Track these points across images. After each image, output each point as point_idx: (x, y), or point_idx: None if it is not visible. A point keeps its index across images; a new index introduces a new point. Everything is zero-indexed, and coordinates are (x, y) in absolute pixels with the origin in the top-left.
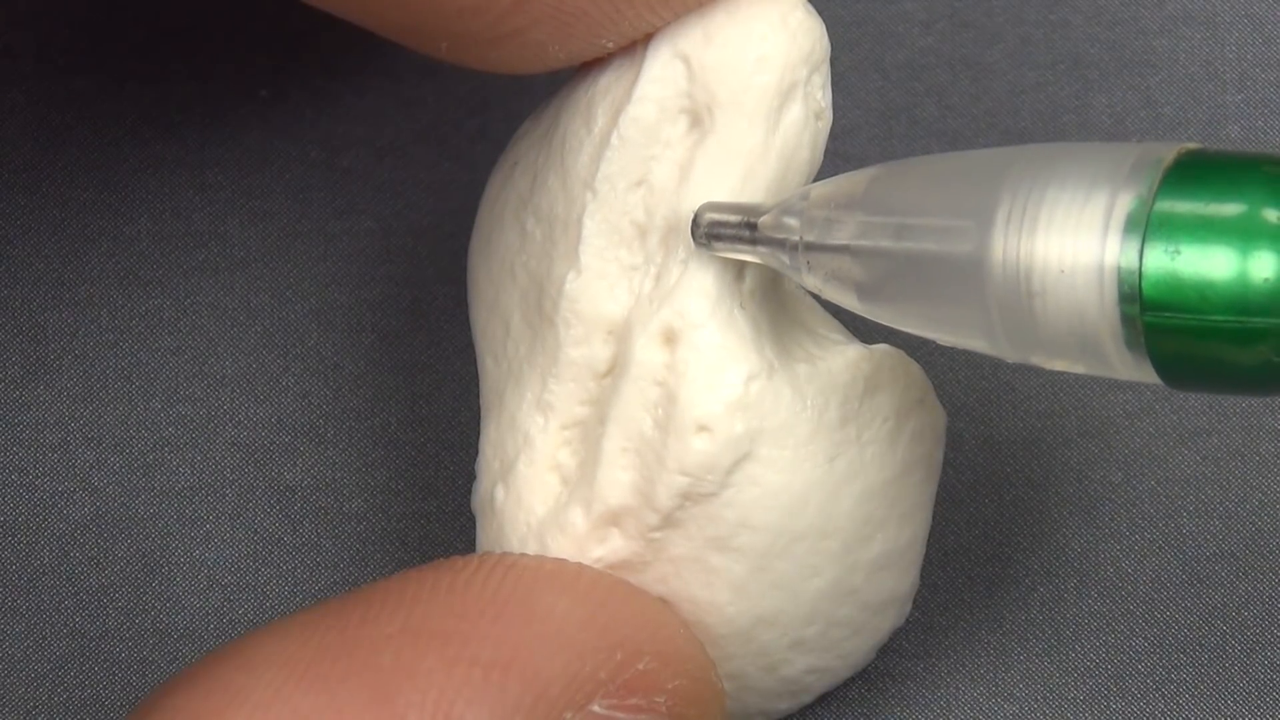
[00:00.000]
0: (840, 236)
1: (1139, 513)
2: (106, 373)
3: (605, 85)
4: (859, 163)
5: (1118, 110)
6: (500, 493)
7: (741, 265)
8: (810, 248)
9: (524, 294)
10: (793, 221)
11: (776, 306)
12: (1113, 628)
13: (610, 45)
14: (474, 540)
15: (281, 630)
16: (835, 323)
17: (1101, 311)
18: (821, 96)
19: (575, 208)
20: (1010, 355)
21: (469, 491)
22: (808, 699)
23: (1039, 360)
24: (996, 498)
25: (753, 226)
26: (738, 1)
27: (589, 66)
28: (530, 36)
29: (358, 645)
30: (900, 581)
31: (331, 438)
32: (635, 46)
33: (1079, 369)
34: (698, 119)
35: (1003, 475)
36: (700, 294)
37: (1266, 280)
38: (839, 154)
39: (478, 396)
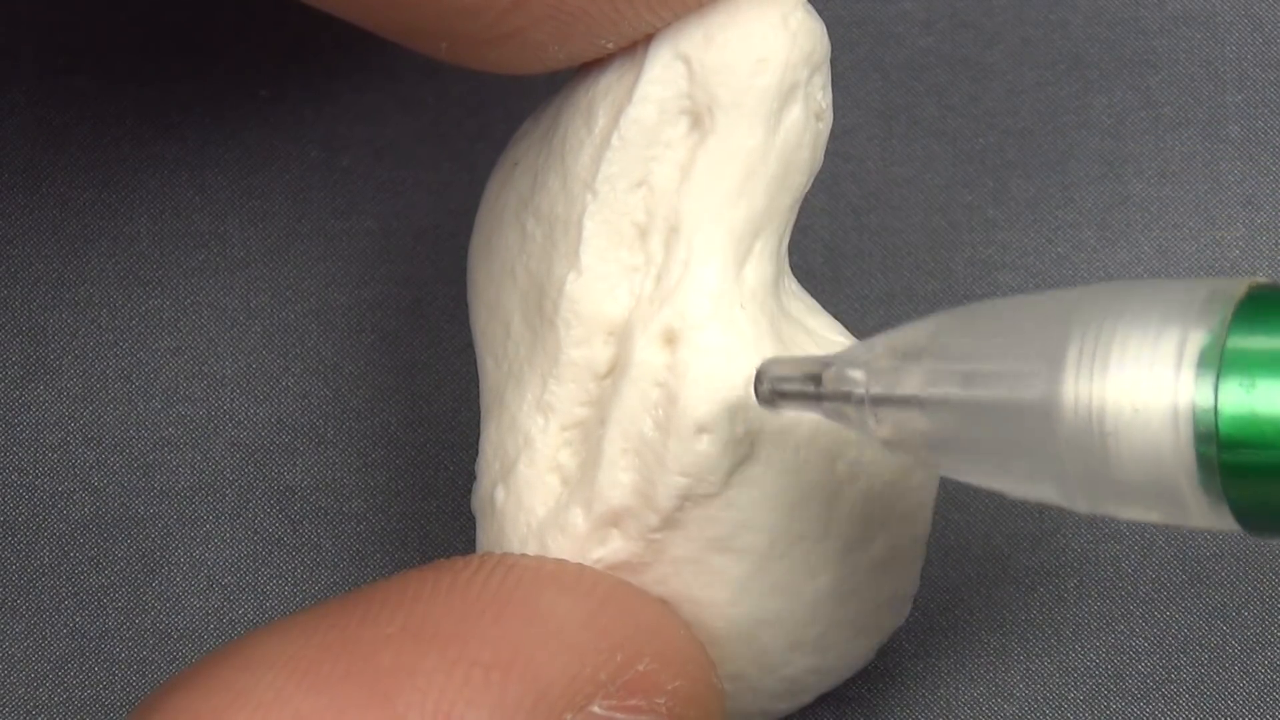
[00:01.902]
0: (907, 387)
1: None
2: (106, 373)
3: (606, 86)
4: (859, 163)
5: (1118, 110)
6: (500, 493)
7: (742, 265)
8: (877, 401)
9: (524, 295)
10: (857, 374)
11: (776, 307)
12: (1113, 628)
13: (610, 46)
14: (474, 540)
15: (281, 630)
16: (835, 323)
17: (1176, 451)
18: (822, 97)
19: (576, 208)
20: (1082, 505)
21: (469, 492)
22: (808, 699)
23: (1112, 509)
24: (996, 498)
25: (818, 380)
26: (738, 2)
27: (589, 67)
28: (530, 37)
29: (358, 645)
30: (900, 582)
31: (331, 438)
32: (636, 47)
33: (1153, 516)
34: (698, 120)
35: None
36: (701, 295)
37: None
38: (839, 154)
39: (478, 397)
